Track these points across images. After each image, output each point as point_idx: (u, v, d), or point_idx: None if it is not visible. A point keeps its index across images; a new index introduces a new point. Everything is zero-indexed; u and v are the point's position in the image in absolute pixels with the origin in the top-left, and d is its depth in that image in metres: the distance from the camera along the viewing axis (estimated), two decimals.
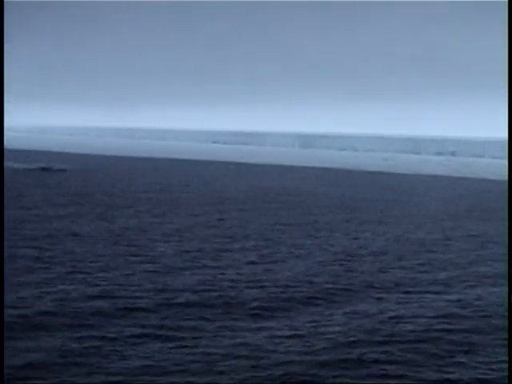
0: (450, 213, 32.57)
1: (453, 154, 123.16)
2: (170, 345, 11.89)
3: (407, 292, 16.12)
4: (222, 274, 17.24)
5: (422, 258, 20.34)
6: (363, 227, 26.43)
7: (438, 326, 13.34)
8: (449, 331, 13.09)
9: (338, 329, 12.99)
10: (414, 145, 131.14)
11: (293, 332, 12.77)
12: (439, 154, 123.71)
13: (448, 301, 15.35)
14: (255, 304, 14.53)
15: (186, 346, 11.81)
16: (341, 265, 18.95)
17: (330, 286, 16.43)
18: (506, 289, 16.69)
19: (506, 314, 14.45)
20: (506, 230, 26.86)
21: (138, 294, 15.00)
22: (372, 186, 48.27)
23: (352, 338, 12.47)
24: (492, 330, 13.33)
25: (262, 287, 15.97)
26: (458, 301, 15.39)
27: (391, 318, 13.91)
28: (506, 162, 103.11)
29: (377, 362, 11.37)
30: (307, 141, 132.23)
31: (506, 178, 64.53)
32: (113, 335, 12.17)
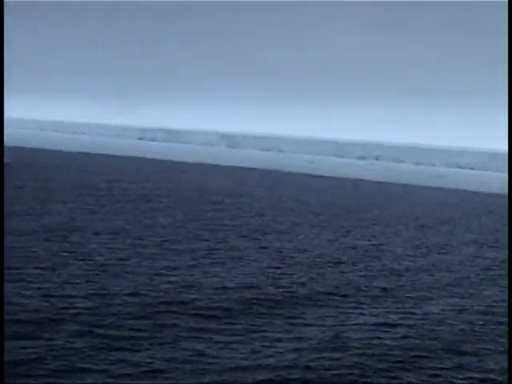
0: (381, 218, 32.74)
1: (376, 158, 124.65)
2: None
3: (345, 296, 16.03)
4: (160, 276, 16.84)
5: (358, 263, 20.29)
6: (296, 229, 26.32)
7: (383, 335, 13.23)
8: (391, 341, 12.99)
9: (279, 335, 12.75)
10: (338, 148, 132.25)
11: (237, 337, 12.48)
12: (362, 158, 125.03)
13: (386, 308, 15.30)
14: (195, 307, 14.19)
15: (126, 349, 11.40)
16: (278, 267, 18.75)
17: (272, 288, 16.20)
18: (442, 300, 16.72)
19: (484, 317, 14.45)
20: (442, 239, 27.09)
21: (75, 294, 14.49)
22: (301, 188, 48.33)
23: (297, 343, 12.24)
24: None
25: (201, 290, 15.63)
26: (393, 311, 15.33)
27: (330, 322, 13.74)
28: (428, 168, 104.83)
29: (325, 369, 11.16)
30: (233, 140, 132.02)
31: (431, 184, 65.53)
32: (48, 335, 11.67)
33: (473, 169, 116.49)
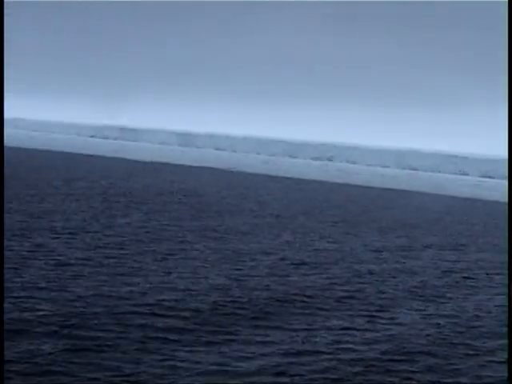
0: (340, 220, 32.72)
1: (330, 159, 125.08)
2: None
3: (310, 297, 15.87)
4: (122, 276, 16.53)
5: (320, 266, 20.16)
6: (257, 230, 26.14)
7: (351, 339, 13.10)
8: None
9: (249, 338, 12.55)
10: (292, 148, 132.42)
11: (206, 339, 12.25)
12: (316, 159, 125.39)
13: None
14: (162, 308, 13.92)
15: (92, 350, 11.11)
16: (241, 269, 18.53)
17: (238, 291, 15.99)
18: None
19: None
20: (403, 241, 27.12)
21: (37, 296, 14.12)
22: (259, 188, 48.18)
23: (265, 347, 12.05)
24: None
25: (166, 291, 15.36)
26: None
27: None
28: (382, 170, 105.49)
29: (297, 374, 10.98)
30: (187, 139, 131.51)
31: (387, 185, 65.88)
32: None
33: (426, 171, 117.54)
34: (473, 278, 20.00)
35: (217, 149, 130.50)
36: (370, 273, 19.65)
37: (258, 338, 12.59)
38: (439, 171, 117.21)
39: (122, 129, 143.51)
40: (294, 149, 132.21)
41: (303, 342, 12.50)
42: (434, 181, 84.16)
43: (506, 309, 15.86)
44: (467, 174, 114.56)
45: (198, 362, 11.13)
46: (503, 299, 17.43)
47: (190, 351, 11.64)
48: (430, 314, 15.41)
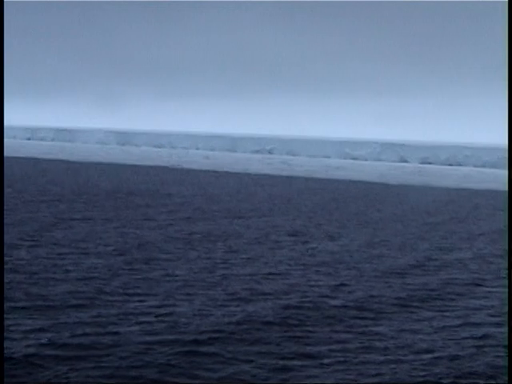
0: (300, 211, 31.89)
1: (270, 151, 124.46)
2: None
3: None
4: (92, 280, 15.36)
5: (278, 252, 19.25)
6: (220, 224, 25.12)
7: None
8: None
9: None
10: (231, 142, 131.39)
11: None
12: (257, 152, 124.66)
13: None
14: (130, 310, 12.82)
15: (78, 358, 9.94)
16: (211, 272, 17.51)
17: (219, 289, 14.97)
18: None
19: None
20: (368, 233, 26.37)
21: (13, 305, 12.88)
22: (209, 185, 47.13)
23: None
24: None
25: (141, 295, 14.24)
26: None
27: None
28: (327, 160, 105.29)
29: None
30: (124, 138, 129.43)
31: (333, 176, 65.41)
32: None
33: (366, 160, 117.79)
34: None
35: (156, 146, 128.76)
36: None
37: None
38: (379, 159, 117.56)
39: (58, 130, 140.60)
40: (232, 143, 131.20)
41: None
42: (380, 169, 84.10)
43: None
44: (407, 161, 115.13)
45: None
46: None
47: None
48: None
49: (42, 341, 11.03)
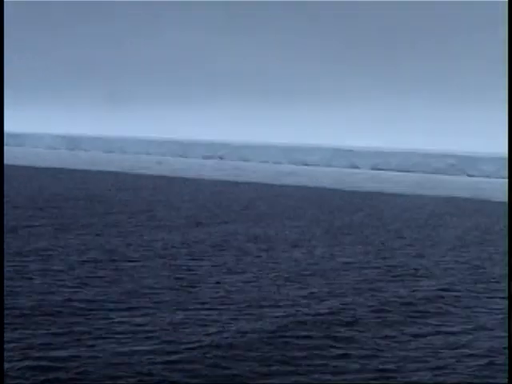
0: (262, 217, 31.72)
1: (221, 157, 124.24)
2: None
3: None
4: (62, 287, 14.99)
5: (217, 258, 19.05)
6: (173, 232, 24.83)
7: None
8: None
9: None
10: (182, 148, 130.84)
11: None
12: (208, 157, 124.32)
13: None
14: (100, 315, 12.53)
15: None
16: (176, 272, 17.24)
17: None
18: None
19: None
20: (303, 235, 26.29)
21: None
22: (163, 190, 46.74)
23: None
24: None
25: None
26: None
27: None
28: (279, 166, 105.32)
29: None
30: (74, 142, 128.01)
31: (287, 182, 65.42)
32: None
33: (317, 165, 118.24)
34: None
35: (106, 151, 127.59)
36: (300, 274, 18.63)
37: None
38: (330, 165, 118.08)
39: (7, 135, 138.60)
40: (183, 148, 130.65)
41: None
42: (332, 175, 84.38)
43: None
44: (358, 167, 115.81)
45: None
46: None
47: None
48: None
49: (12, 353, 10.69)
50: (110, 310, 13.79)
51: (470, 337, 13.07)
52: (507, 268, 19.86)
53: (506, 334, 13.23)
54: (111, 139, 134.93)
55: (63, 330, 12.18)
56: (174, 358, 10.92)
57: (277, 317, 13.80)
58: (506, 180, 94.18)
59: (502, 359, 11.66)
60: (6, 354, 10.70)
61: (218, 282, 16.91)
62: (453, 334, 13.25)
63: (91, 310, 13.70)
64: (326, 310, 14.52)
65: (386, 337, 12.78)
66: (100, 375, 9.96)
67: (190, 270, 18.27)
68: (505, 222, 32.28)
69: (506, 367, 11.08)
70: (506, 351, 11.97)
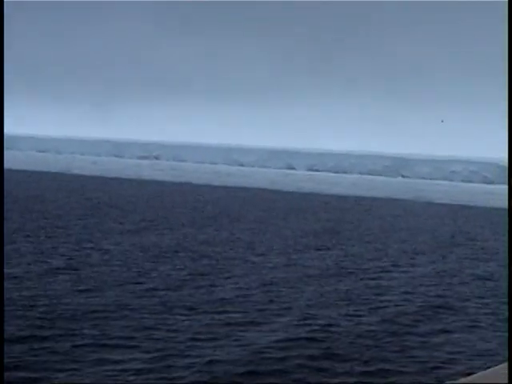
0: (206, 218, 31.64)
1: (156, 157, 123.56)
2: None
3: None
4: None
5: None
6: (124, 233, 24.62)
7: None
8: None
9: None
10: (116, 148, 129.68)
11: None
12: (143, 157, 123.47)
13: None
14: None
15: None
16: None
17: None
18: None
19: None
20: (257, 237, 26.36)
21: None
22: (102, 190, 46.23)
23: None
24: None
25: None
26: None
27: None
28: (212, 167, 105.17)
29: None
30: (7, 142, 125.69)
31: (227, 183, 65.37)
32: None
33: (253, 166, 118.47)
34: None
35: (40, 151, 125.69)
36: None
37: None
38: (266, 166, 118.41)
39: None
40: (118, 148, 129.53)
41: None
42: (267, 176, 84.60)
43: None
44: (294, 168, 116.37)
45: None
46: None
47: None
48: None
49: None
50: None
51: None
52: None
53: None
54: (45, 139, 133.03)
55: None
56: None
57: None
58: (440, 182, 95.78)
59: None
60: None
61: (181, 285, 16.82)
62: None
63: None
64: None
65: None
66: None
67: (151, 271, 18.13)
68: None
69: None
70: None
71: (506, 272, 20.22)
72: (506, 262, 20.60)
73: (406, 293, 17.39)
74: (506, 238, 28.55)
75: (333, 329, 13.55)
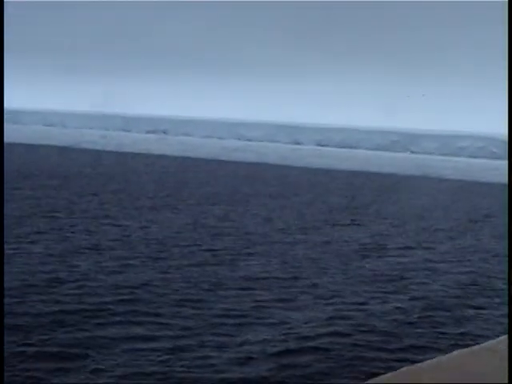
0: (216, 196, 31.55)
1: (164, 132, 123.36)
2: None
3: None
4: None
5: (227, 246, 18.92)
6: (145, 212, 24.55)
7: None
8: None
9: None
10: (124, 122, 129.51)
11: None
12: (151, 131, 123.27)
13: None
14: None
15: None
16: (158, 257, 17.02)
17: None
18: None
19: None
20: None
21: None
22: (117, 165, 46.16)
23: None
24: None
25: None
26: None
27: None
28: (223, 142, 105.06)
29: None
30: (13, 116, 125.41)
31: (237, 158, 65.26)
32: None
33: (261, 141, 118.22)
34: None
35: (46, 125, 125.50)
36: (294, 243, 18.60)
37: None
38: (274, 141, 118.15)
39: None
40: (125, 123, 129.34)
41: None
42: (276, 151, 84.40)
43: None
44: (301, 143, 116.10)
45: None
46: None
47: None
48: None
49: None
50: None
51: None
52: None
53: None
54: (50, 113, 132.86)
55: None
56: None
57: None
58: (448, 158, 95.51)
59: None
60: None
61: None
62: None
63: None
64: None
65: None
66: None
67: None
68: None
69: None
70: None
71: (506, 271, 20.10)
72: None
73: (429, 269, 17.33)
74: (506, 237, 28.27)
75: (362, 307, 13.48)
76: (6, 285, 12.67)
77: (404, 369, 7.69)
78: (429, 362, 7.91)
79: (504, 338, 8.83)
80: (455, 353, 8.35)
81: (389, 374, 7.48)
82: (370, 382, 7.19)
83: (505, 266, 18.39)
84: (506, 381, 6.90)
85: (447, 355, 8.31)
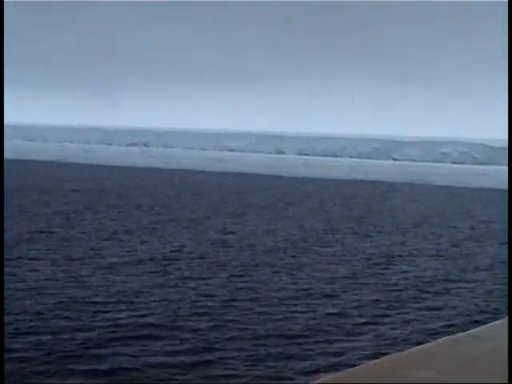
0: (201, 207, 31.35)
1: (146, 144, 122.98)
2: None
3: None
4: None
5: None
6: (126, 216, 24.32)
7: None
8: None
9: None
10: (105, 135, 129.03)
11: None
12: (132, 144, 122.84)
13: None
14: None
15: None
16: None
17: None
18: None
19: None
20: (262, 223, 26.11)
21: None
22: (101, 179, 45.82)
23: None
24: None
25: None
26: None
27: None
28: (206, 153, 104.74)
29: None
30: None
31: (222, 169, 65.06)
32: None
33: (243, 151, 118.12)
34: None
35: (28, 140, 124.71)
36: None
37: None
38: (256, 151, 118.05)
39: None
40: (106, 136, 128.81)
41: None
42: (259, 161, 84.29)
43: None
44: (284, 153, 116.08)
45: None
46: None
47: None
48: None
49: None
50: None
51: None
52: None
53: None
54: (32, 127, 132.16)
55: None
56: None
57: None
58: (431, 164, 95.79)
59: None
60: None
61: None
62: None
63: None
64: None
65: None
66: None
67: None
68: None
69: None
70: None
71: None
72: None
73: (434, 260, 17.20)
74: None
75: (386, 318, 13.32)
76: None
77: (388, 356, 7.88)
78: (413, 349, 8.11)
79: (487, 326, 9.17)
80: (440, 340, 8.49)
81: (371, 362, 7.54)
82: (353, 369, 7.13)
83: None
84: (492, 367, 7.01)
85: (433, 342, 8.48)
